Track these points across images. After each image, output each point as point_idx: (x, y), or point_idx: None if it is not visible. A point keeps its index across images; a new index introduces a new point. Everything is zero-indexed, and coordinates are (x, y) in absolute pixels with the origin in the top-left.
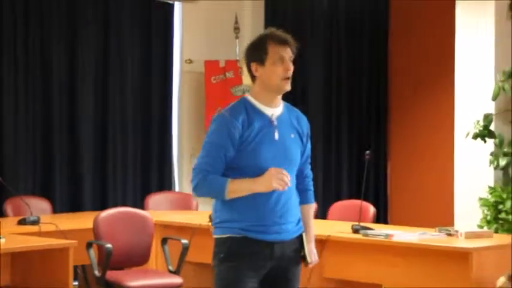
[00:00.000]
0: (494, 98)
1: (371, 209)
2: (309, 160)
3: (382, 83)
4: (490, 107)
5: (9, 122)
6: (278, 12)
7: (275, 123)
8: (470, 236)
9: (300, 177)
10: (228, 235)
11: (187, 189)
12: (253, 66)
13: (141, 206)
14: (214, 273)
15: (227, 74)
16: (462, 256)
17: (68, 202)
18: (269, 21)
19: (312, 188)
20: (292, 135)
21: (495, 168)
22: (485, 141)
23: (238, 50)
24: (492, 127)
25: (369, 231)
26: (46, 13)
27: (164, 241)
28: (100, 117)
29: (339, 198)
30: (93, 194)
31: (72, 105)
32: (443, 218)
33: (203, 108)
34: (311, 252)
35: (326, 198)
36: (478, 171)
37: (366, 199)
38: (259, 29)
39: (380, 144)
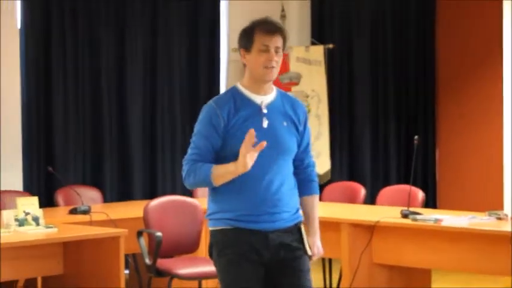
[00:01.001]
0: None
1: (420, 194)
2: (309, 148)
3: (429, 70)
4: None
5: (60, 112)
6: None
7: (264, 111)
8: None
9: (300, 167)
10: (221, 227)
11: None
12: (242, 52)
13: (191, 194)
14: (215, 266)
15: None
16: (505, 239)
17: (118, 191)
18: (316, 7)
19: (315, 178)
20: (285, 123)
21: None
22: None
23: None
24: None
25: (418, 216)
26: (94, 10)
27: None
28: (149, 106)
29: (387, 183)
30: (142, 183)
31: (121, 95)
32: (492, 202)
33: None
34: (314, 244)
35: (374, 184)
36: None
37: (414, 184)
38: (306, 17)
39: (428, 130)
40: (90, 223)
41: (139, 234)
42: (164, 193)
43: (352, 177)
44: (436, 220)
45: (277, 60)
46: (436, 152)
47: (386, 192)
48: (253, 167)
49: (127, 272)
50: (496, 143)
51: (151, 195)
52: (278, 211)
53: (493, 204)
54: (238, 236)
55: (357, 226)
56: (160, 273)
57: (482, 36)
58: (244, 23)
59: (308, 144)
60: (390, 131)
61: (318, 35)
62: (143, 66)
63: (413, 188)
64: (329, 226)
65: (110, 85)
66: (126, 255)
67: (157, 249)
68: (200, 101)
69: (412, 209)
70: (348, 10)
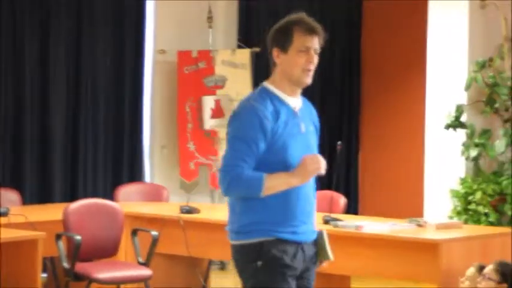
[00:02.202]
0: (467, 89)
1: (342, 200)
2: None
3: (354, 75)
4: (463, 98)
5: None
6: (252, 3)
7: (299, 114)
8: (440, 227)
9: None
10: (260, 239)
11: (159, 180)
12: (275, 51)
13: (112, 198)
14: (246, 284)
15: (200, 64)
16: (432, 247)
17: (38, 193)
18: (243, 10)
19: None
20: (311, 128)
21: (466, 159)
22: (455, 131)
23: (212, 40)
24: (464, 118)
25: (339, 223)
26: (18, 9)
27: (134, 233)
28: (71, 107)
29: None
30: (63, 186)
31: (43, 95)
32: (413, 209)
33: (175, 98)
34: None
35: None
36: (449, 162)
37: (337, 190)
38: (233, 19)
39: (352, 135)
40: (9, 225)
41: (58, 237)
42: (85, 196)
43: None
44: (357, 227)
45: (315, 63)
46: (358, 158)
47: None
48: None
49: (44, 275)
50: (417, 150)
51: (72, 198)
52: (311, 222)
53: (414, 211)
54: (280, 248)
55: None
56: (78, 277)
57: (406, 45)
58: (171, 23)
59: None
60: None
61: (244, 38)
62: (66, 67)
63: (335, 194)
64: None
65: (33, 85)
66: (45, 259)
67: (76, 252)
68: (125, 102)
69: (333, 215)
70: (275, 14)
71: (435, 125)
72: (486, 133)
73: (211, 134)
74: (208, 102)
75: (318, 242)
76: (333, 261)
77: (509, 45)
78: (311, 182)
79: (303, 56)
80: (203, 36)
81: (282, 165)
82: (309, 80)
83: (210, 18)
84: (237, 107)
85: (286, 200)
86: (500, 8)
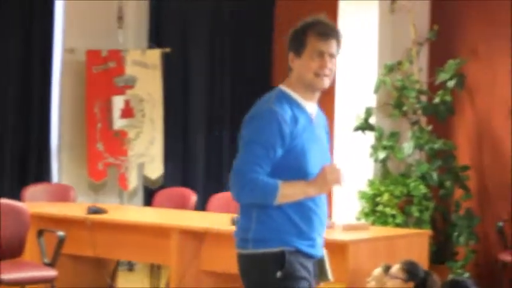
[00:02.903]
0: (376, 92)
1: None
2: None
3: (266, 79)
4: (372, 101)
5: None
6: (163, 3)
7: (314, 121)
8: (347, 228)
9: None
10: (281, 248)
11: (67, 180)
12: (291, 56)
13: (19, 198)
14: None
15: (109, 63)
16: (339, 248)
17: None
18: (154, 11)
19: None
20: (324, 136)
21: (375, 161)
22: (364, 134)
23: (122, 40)
24: (373, 120)
25: None
26: None
27: (40, 233)
28: None
29: (220, 189)
30: None
31: None
32: None
33: (84, 98)
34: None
35: (207, 189)
36: (358, 164)
37: None
38: (144, 20)
39: None
40: None
41: None
42: None
43: (185, 183)
44: None
45: (330, 68)
46: None
47: (219, 198)
48: None
49: None
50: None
51: None
52: (323, 236)
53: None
54: (299, 260)
55: (186, 233)
56: None
57: None
58: (80, 22)
59: None
60: (225, 137)
61: (155, 38)
62: None
63: None
64: (159, 232)
65: None
66: None
67: None
68: (33, 101)
69: None
70: (187, 14)
71: (344, 127)
72: (394, 136)
73: (121, 135)
74: (118, 102)
75: (319, 261)
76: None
77: (418, 48)
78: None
79: (317, 61)
80: (113, 36)
81: (300, 172)
82: (323, 84)
83: (120, 18)
84: (253, 109)
85: (305, 210)
86: (409, 11)
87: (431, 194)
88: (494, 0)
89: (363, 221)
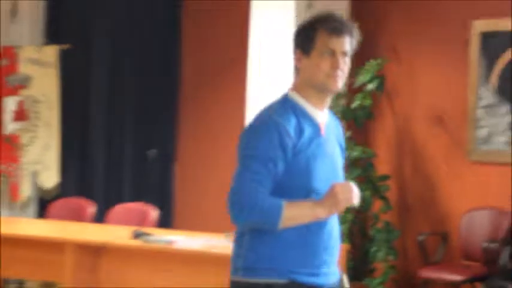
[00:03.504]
0: None
1: (154, 213)
2: None
3: (172, 83)
4: None
5: None
6: None
7: (323, 132)
8: None
9: None
10: (270, 280)
11: None
12: (297, 54)
13: None
14: None
15: (2, 61)
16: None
17: None
18: (51, 5)
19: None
20: (337, 149)
21: None
22: None
23: (16, 36)
24: None
25: (150, 237)
26: None
27: None
28: None
29: (120, 200)
30: None
31: None
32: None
33: None
34: None
35: (107, 200)
36: None
37: (150, 202)
38: (39, 14)
39: (167, 144)
40: None
41: None
42: None
43: (83, 193)
44: (169, 242)
45: (343, 68)
46: (174, 168)
47: (119, 210)
48: None
49: None
50: (234, 164)
51: None
52: (333, 261)
53: (232, 226)
54: None
55: (82, 247)
56: None
57: (227, 46)
58: None
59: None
60: (127, 144)
61: (52, 34)
62: None
63: (147, 207)
64: (52, 247)
65: None
66: None
67: None
68: None
69: (144, 229)
70: (87, 9)
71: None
72: None
73: (12, 139)
74: (10, 104)
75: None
76: None
77: None
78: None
79: (328, 60)
80: (6, 32)
81: (305, 191)
82: (336, 85)
83: (14, 13)
84: (254, 119)
85: (307, 233)
86: (326, 9)
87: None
88: (414, 1)
89: None
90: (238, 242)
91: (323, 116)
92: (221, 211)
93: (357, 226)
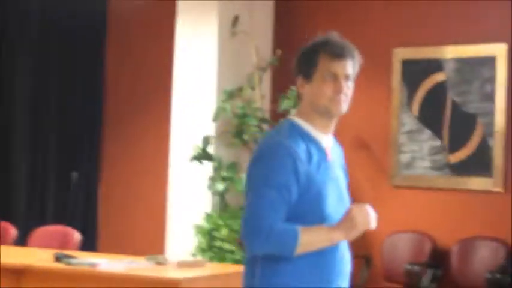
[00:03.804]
0: (215, 119)
1: (77, 236)
2: None
3: (97, 101)
4: (211, 129)
5: None
6: None
7: (329, 157)
8: (182, 265)
9: None
10: None
11: None
12: (300, 80)
13: None
14: None
15: None
16: (172, 286)
17: None
18: None
19: None
20: (341, 173)
21: (213, 194)
22: (202, 164)
23: None
24: (211, 149)
25: (73, 260)
26: None
27: None
28: None
29: (43, 223)
30: None
31: None
32: (156, 246)
33: None
34: None
35: (28, 222)
36: (196, 197)
37: (74, 225)
38: None
39: (92, 166)
40: None
41: None
42: None
43: (4, 216)
44: (92, 264)
45: (346, 92)
46: (98, 190)
47: (41, 232)
48: None
49: None
50: (162, 183)
51: None
52: (346, 284)
53: (157, 249)
54: None
55: (3, 270)
56: None
57: (153, 67)
58: None
59: None
60: (50, 166)
61: None
62: None
63: (70, 230)
64: None
65: None
66: None
67: None
68: None
69: (66, 252)
70: (6, 25)
71: (181, 157)
72: (234, 166)
73: None
74: None
75: None
76: None
77: (260, 74)
78: None
79: (330, 84)
80: None
81: (318, 217)
82: (340, 109)
83: None
84: (261, 144)
85: (320, 260)
86: (251, 36)
87: None
88: (338, 28)
89: (199, 257)
90: (249, 272)
91: (328, 141)
92: (146, 234)
93: None
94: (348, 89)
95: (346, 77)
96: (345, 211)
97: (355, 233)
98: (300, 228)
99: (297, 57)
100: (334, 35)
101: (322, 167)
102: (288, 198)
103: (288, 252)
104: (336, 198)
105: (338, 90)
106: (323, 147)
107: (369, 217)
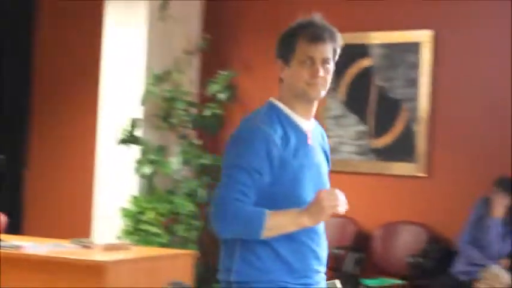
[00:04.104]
0: (143, 103)
1: (3, 219)
2: None
3: (25, 83)
4: (139, 112)
5: None
6: None
7: (310, 141)
8: (107, 248)
9: None
10: None
11: None
12: (279, 64)
13: None
14: None
15: None
16: (97, 269)
17: None
18: None
19: None
20: (322, 158)
21: (140, 177)
22: (129, 147)
23: None
24: (139, 133)
25: None
26: None
27: None
28: None
29: None
30: None
31: None
32: (83, 229)
33: None
34: None
35: None
36: (123, 180)
37: None
38: None
39: (18, 151)
40: None
41: None
42: None
43: None
44: (17, 247)
45: (323, 76)
46: (25, 173)
47: None
48: None
49: None
50: (89, 166)
51: None
52: (324, 269)
53: (84, 232)
54: None
55: None
56: None
57: (80, 53)
58: None
59: None
60: None
61: None
62: None
63: None
64: None
65: None
66: None
67: None
68: None
69: None
70: None
71: (108, 140)
72: (161, 150)
73: None
74: None
75: None
76: None
77: (189, 58)
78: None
79: (307, 68)
80: None
81: (294, 202)
82: (317, 93)
83: None
84: (239, 127)
85: (298, 244)
86: (180, 20)
87: (200, 212)
88: (267, 13)
89: (125, 240)
90: (228, 255)
91: (309, 125)
92: (73, 218)
93: (208, 233)
94: (327, 73)
95: (324, 61)
96: None
97: (323, 217)
98: (267, 212)
99: (277, 41)
100: (315, 18)
101: (301, 152)
102: (259, 182)
103: (255, 235)
104: (314, 183)
105: (315, 74)
106: (304, 132)
107: (338, 201)
